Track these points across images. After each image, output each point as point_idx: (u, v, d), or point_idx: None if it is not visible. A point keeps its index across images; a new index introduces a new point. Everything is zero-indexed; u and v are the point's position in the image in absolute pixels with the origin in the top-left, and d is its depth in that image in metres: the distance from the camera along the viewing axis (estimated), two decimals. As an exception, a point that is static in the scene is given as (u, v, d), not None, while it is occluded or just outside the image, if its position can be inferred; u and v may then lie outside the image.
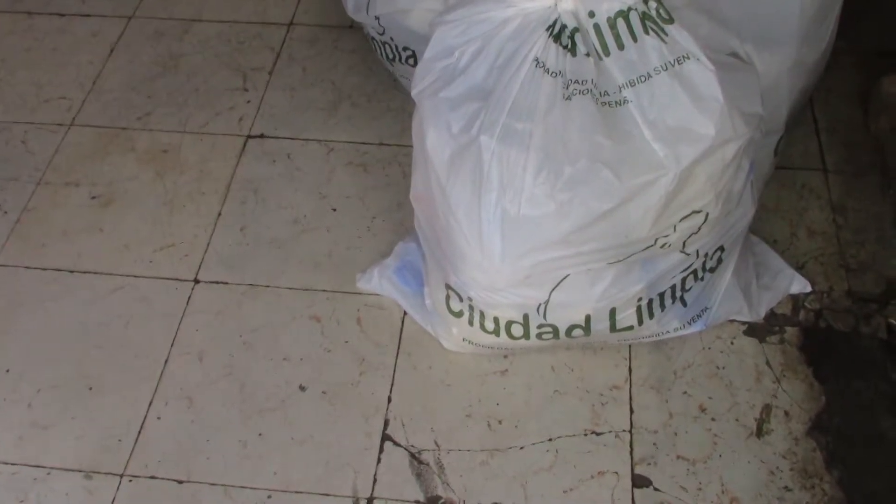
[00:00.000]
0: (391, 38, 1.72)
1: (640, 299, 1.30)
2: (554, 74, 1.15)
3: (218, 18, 2.10)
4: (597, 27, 1.15)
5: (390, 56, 1.77)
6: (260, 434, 1.39)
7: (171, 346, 1.50)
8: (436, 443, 1.37)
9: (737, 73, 1.22)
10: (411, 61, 1.72)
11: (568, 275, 1.23)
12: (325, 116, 1.85)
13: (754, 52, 1.39)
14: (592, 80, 1.15)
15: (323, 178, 1.74)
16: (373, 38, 1.79)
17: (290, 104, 1.89)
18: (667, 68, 1.14)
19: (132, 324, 1.54)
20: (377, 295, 1.54)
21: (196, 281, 1.59)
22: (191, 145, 1.82)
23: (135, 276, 1.60)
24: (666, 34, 1.15)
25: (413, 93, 1.27)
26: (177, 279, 1.59)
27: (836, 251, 1.55)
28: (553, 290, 1.25)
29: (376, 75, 1.91)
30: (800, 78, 1.54)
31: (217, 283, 1.59)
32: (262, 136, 1.83)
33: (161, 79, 1.96)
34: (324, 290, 1.56)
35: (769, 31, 1.43)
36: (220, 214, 1.69)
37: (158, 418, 1.42)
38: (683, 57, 1.15)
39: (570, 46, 1.15)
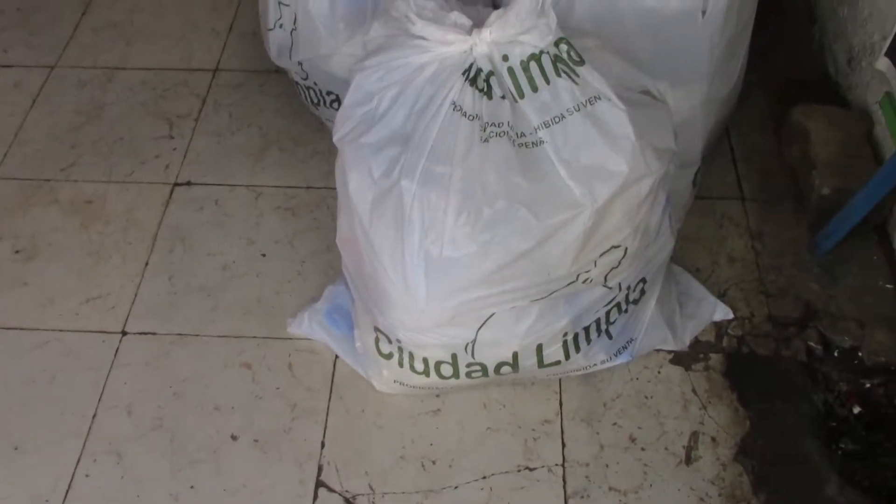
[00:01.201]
0: (315, 83, 1.73)
1: (565, 334, 1.32)
2: (471, 117, 1.17)
3: (142, 66, 2.08)
4: (511, 70, 1.18)
5: (315, 100, 1.78)
6: (192, 486, 1.37)
7: (99, 400, 1.48)
8: (370, 486, 1.36)
9: (649, 111, 1.26)
10: (335, 105, 1.73)
11: (493, 313, 1.25)
12: (252, 161, 1.85)
13: (668, 88, 1.43)
14: (509, 122, 1.17)
15: (251, 224, 1.73)
16: (297, 83, 1.80)
17: (217, 150, 1.88)
18: (579, 109, 1.17)
19: (58, 379, 1.51)
20: (308, 339, 1.54)
21: (123, 332, 1.57)
22: (116, 195, 1.80)
23: (60, 331, 1.57)
24: (577, 76, 1.19)
25: (334, 139, 1.28)
26: (103, 331, 1.57)
27: (756, 277, 1.60)
28: (479, 328, 1.27)
29: (302, 119, 1.92)
30: (713, 111, 1.59)
31: (145, 333, 1.57)
32: (188, 183, 1.82)
33: (85, 128, 1.94)
34: (254, 337, 1.55)
35: (680, 69, 1.48)
36: (147, 264, 1.67)
37: (87, 475, 1.39)
38: (595, 97, 1.18)
39: (486, 90, 1.18)
